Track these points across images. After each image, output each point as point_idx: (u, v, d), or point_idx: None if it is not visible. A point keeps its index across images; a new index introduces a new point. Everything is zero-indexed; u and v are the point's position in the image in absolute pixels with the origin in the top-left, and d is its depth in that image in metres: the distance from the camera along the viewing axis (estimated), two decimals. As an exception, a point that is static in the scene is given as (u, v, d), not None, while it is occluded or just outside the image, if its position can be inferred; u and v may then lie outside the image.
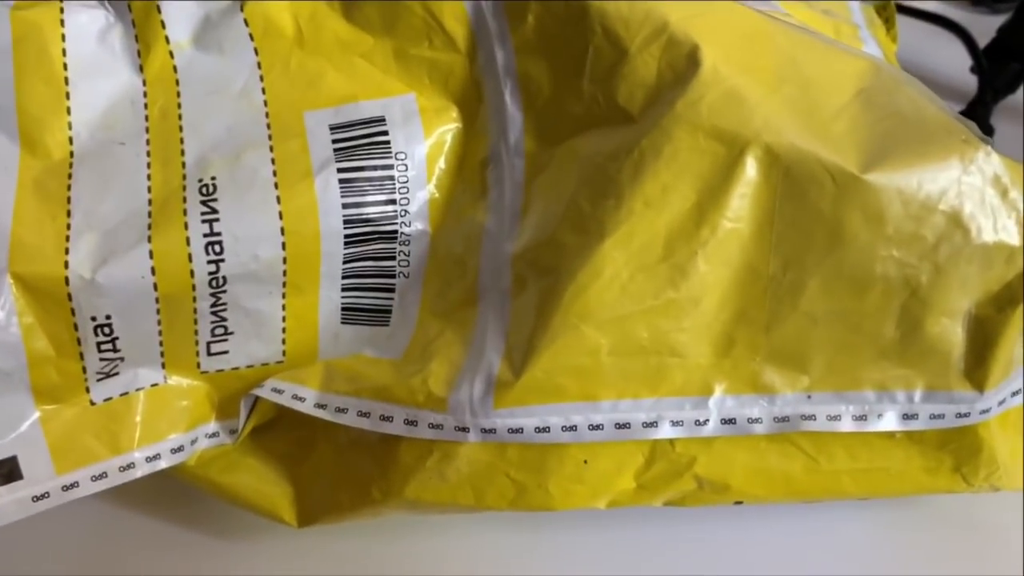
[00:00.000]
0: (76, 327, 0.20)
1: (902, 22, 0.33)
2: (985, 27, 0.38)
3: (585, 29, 0.20)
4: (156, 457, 0.21)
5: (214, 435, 0.22)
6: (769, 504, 0.22)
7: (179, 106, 0.21)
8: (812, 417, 0.20)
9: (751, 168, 0.19)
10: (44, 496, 0.20)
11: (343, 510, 0.22)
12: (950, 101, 0.37)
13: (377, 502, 0.21)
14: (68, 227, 0.20)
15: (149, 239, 0.20)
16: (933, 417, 0.20)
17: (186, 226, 0.20)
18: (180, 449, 0.21)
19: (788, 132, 0.19)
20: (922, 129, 0.19)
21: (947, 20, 0.39)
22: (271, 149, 0.21)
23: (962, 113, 0.36)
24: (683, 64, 0.19)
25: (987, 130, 0.36)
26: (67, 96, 0.21)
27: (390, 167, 0.21)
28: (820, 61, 0.20)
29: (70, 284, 0.19)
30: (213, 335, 0.21)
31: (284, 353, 0.22)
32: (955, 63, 0.38)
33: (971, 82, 0.37)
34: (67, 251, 0.19)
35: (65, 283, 0.19)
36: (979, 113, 0.36)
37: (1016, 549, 0.25)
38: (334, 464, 0.22)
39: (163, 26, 0.22)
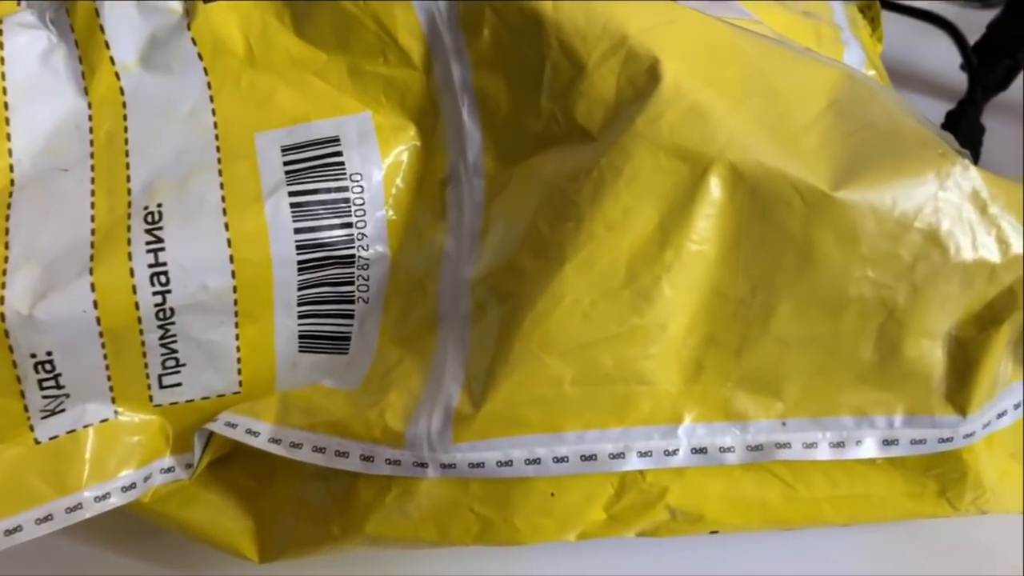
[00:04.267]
0: (15, 364, 0.19)
1: (889, 19, 0.32)
2: (975, 22, 0.37)
3: (541, 43, 0.19)
4: (106, 496, 0.20)
5: (169, 470, 0.21)
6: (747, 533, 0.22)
7: (125, 130, 0.21)
8: (787, 445, 0.19)
9: (715, 188, 0.18)
10: (-16, 541, 0.19)
11: (304, 545, 0.21)
12: (939, 99, 0.37)
13: (338, 538, 0.20)
14: (5, 260, 0.19)
15: (91, 271, 0.19)
16: (914, 442, 0.20)
17: (130, 256, 0.19)
18: (132, 487, 0.20)
19: (754, 149, 0.18)
20: (896, 142, 0.18)
21: (936, 16, 0.38)
22: (220, 173, 0.20)
23: (952, 112, 0.36)
24: (643, 79, 0.18)
25: (978, 129, 0.35)
26: (7, 122, 0.20)
27: (345, 189, 0.20)
28: (789, 72, 0.19)
29: (6, 320, 0.18)
30: (164, 367, 0.20)
31: (240, 383, 0.21)
32: (944, 60, 0.37)
33: (961, 79, 0.36)
34: (3, 286, 0.18)
35: (1, 320, 0.18)
36: (969, 111, 0.35)
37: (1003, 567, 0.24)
38: (294, 498, 0.21)
39: (107, 47, 0.21)
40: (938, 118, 0.35)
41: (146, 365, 0.20)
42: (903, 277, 0.18)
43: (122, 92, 0.21)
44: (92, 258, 0.19)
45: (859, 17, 0.30)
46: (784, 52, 0.19)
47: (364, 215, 0.21)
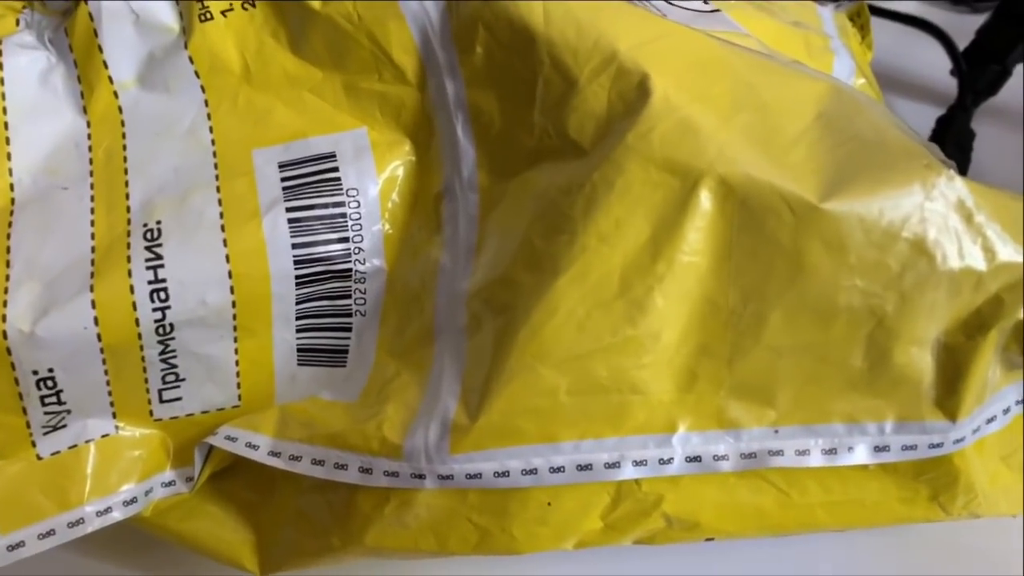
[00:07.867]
0: (17, 381, 0.19)
1: (879, 24, 0.33)
2: (964, 28, 0.37)
3: (533, 60, 0.19)
4: (107, 511, 0.20)
5: (170, 484, 0.21)
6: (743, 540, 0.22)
7: (124, 147, 0.21)
8: (780, 452, 0.20)
9: (705, 200, 0.18)
10: (-12, 557, 0.19)
11: (304, 557, 0.21)
12: (930, 105, 0.37)
13: (337, 549, 0.21)
14: (7, 278, 0.19)
15: (91, 288, 0.19)
16: (905, 448, 0.20)
17: (130, 273, 0.19)
18: (133, 501, 0.21)
19: (743, 162, 0.18)
20: (883, 154, 0.18)
21: (925, 22, 0.38)
22: (218, 189, 0.20)
23: (942, 117, 0.36)
24: (633, 94, 0.18)
25: (968, 134, 0.36)
26: (7, 141, 0.20)
27: (341, 204, 0.21)
28: (778, 85, 0.19)
29: (8, 338, 0.19)
30: (164, 382, 0.20)
31: (240, 397, 0.21)
32: (935, 66, 0.37)
33: (951, 85, 0.36)
34: (5, 303, 0.19)
35: (3, 337, 0.19)
36: (959, 116, 0.36)
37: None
38: (294, 510, 0.22)
39: (106, 66, 0.21)
40: (928, 123, 0.35)
41: (146, 380, 0.20)
42: (891, 286, 0.18)
43: (120, 110, 0.21)
44: (92, 275, 0.19)
45: (848, 25, 0.30)
46: (772, 66, 0.20)
47: (361, 229, 0.21)
